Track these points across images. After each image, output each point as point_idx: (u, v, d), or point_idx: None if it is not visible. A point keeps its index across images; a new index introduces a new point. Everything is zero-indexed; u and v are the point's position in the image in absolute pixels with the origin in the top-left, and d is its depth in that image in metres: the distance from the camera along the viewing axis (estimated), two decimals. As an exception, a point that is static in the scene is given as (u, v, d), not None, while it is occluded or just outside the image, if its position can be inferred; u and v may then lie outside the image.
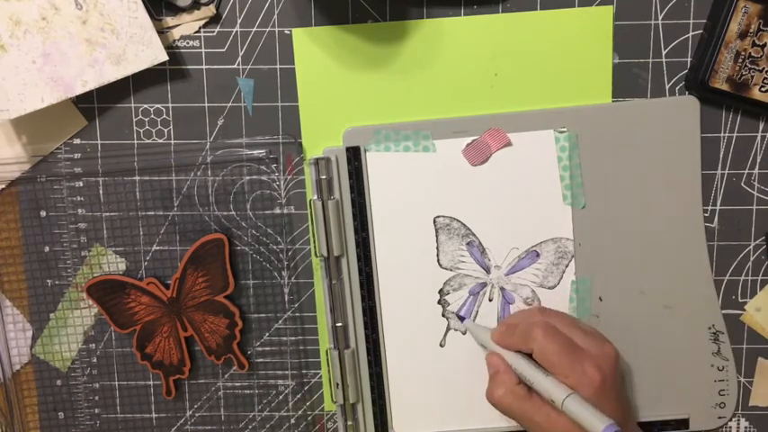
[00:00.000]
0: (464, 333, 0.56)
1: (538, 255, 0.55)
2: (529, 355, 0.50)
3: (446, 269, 0.56)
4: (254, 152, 0.55)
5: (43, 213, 0.56)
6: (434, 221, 0.55)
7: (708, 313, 0.56)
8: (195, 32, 0.54)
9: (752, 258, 0.56)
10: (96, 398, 0.58)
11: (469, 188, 0.55)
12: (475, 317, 0.56)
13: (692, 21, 0.54)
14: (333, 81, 0.55)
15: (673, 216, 0.55)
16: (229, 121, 0.55)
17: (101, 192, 0.56)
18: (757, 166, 0.55)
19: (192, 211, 0.56)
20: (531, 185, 0.54)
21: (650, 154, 0.54)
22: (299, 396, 0.58)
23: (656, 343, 0.56)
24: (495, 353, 0.52)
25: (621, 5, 0.54)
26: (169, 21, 0.54)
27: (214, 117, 0.55)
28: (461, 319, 0.56)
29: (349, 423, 0.57)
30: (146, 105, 0.55)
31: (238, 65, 0.55)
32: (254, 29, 0.54)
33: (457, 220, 0.55)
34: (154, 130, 0.56)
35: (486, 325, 0.55)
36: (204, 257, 0.55)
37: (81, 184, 0.56)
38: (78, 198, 0.56)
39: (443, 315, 0.56)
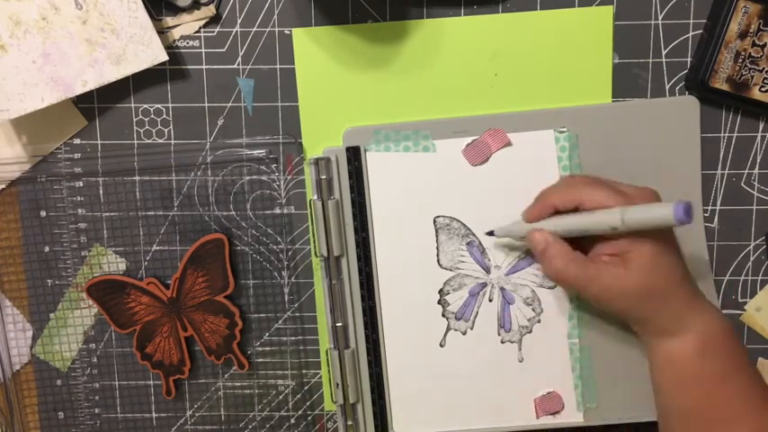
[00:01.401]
0: (464, 334, 0.56)
1: (538, 255, 0.55)
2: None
3: (446, 269, 0.56)
4: (254, 152, 0.55)
5: (43, 213, 0.56)
6: (434, 221, 0.55)
7: (708, 313, 0.56)
8: (195, 32, 0.55)
9: (752, 258, 0.56)
10: (96, 398, 0.58)
11: (469, 188, 0.55)
12: (475, 317, 0.56)
13: (692, 21, 0.54)
14: (333, 81, 0.55)
15: (673, 216, 0.55)
16: (229, 121, 0.55)
17: (101, 192, 0.56)
18: (757, 166, 0.55)
19: (191, 211, 0.56)
20: (531, 185, 0.54)
21: (650, 154, 0.54)
22: (299, 396, 0.58)
23: (656, 343, 0.56)
24: (537, 229, 0.50)
25: (621, 5, 0.54)
26: (169, 21, 0.54)
27: (214, 117, 0.55)
28: (491, 234, 0.54)
29: (349, 423, 0.57)
30: (146, 105, 0.55)
31: (238, 65, 0.55)
32: (254, 29, 0.54)
33: (457, 220, 0.55)
34: (154, 130, 0.56)
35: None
36: (204, 257, 0.55)
37: (81, 184, 0.56)
38: (78, 198, 0.56)
39: (443, 315, 0.56)
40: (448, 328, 0.56)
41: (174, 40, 0.55)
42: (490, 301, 0.56)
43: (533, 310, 0.56)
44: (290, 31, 0.54)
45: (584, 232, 0.48)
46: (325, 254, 0.55)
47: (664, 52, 0.54)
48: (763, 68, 0.52)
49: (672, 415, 0.50)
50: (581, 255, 0.49)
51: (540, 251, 0.50)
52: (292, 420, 0.58)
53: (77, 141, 0.56)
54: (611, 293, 0.48)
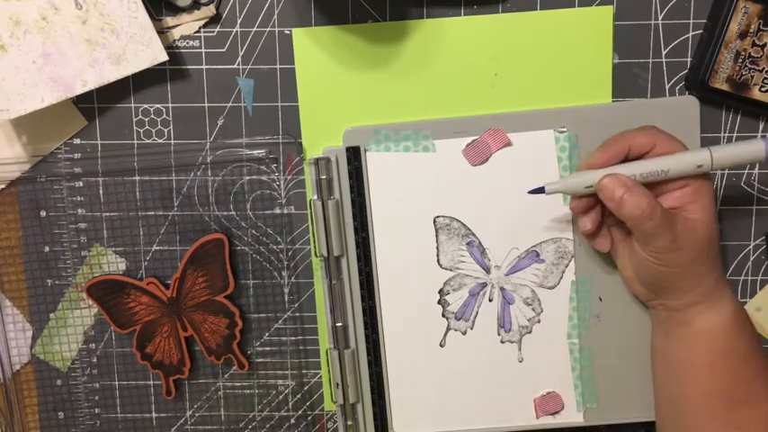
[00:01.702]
0: (464, 333, 0.56)
1: (538, 255, 0.55)
2: None
3: (446, 269, 0.56)
4: (254, 152, 0.55)
5: (43, 213, 0.56)
6: (434, 221, 0.55)
7: (708, 313, 0.56)
8: (195, 32, 0.55)
9: (752, 258, 0.56)
10: (96, 398, 0.58)
11: (469, 188, 0.55)
12: (475, 317, 0.56)
13: (692, 21, 0.54)
14: (333, 81, 0.55)
15: (673, 216, 0.55)
16: (229, 121, 0.55)
17: (101, 192, 0.56)
18: (757, 166, 0.55)
19: (192, 211, 0.56)
20: (531, 185, 0.54)
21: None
22: (298, 396, 0.58)
23: (656, 343, 0.56)
24: (618, 175, 0.48)
25: (621, 5, 0.54)
26: (169, 21, 0.54)
27: (214, 117, 0.55)
28: (541, 190, 0.50)
29: (349, 423, 0.57)
30: (146, 105, 0.55)
31: (238, 65, 0.55)
32: (254, 29, 0.54)
33: (457, 220, 0.55)
34: (154, 130, 0.56)
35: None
36: (204, 257, 0.55)
37: (81, 184, 0.56)
38: (78, 198, 0.56)
39: (443, 315, 0.56)
40: (448, 328, 0.56)
41: (174, 40, 0.55)
42: (490, 301, 0.56)
43: (533, 310, 0.56)
44: (290, 31, 0.54)
45: (665, 174, 0.47)
46: (325, 254, 0.55)
47: (664, 52, 0.54)
48: (763, 68, 0.52)
49: (693, 398, 0.50)
50: (661, 206, 0.48)
51: (619, 198, 0.47)
52: (292, 420, 0.58)
53: (77, 141, 0.56)
54: (679, 243, 0.47)
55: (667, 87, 0.55)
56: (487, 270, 0.56)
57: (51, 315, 0.57)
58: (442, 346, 0.56)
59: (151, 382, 0.58)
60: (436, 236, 0.55)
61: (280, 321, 0.57)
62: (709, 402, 0.49)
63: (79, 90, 0.52)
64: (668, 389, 0.51)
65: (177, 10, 0.54)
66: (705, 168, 0.47)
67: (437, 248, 0.56)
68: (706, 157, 0.47)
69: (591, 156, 0.50)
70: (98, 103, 0.55)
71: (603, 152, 0.49)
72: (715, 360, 0.49)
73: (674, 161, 0.48)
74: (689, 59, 0.54)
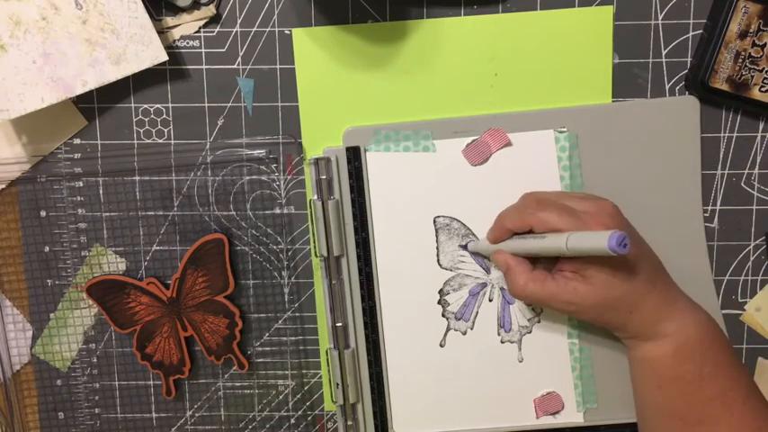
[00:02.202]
0: (464, 334, 0.56)
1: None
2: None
3: (446, 269, 0.56)
4: (254, 152, 0.55)
5: (43, 213, 0.56)
6: (434, 221, 0.55)
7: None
8: (195, 32, 0.55)
9: (752, 258, 0.56)
10: (96, 398, 0.58)
11: (469, 188, 0.55)
12: (475, 317, 0.56)
13: (692, 21, 0.54)
14: (333, 81, 0.55)
15: (673, 216, 0.55)
16: (229, 121, 0.55)
17: (101, 192, 0.56)
18: (757, 166, 0.55)
19: (192, 211, 0.56)
20: (531, 185, 0.54)
21: (650, 154, 0.54)
22: (298, 396, 0.58)
23: (656, 343, 0.56)
24: (498, 251, 0.52)
25: (621, 5, 0.54)
26: (169, 21, 0.54)
27: (214, 117, 0.55)
28: (464, 248, 0.55)
29: (349, 423, 0.57)
30: (146, 105, 0.55)
31: (238, 65, 0.55)
32: (254, 29, 0.54)
33: (457, 220, 0.55)
34: (154, 130, 0.56)
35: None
36: (204, 257, 0.55)
37: (81, 184, 0.56)
38: (78, 198, 0.56)
39: (443, 315, 0.56)
40: (448, 328, 0.56)
41: (174, 40, 0.55)
42: (490, 301, 0.56)
43: (533, 310, 0.56)
44: (290, 31, 0.54)
45: (538, 255, 0.49)
46: (325, 254, 0.55)
47: (664, 52, 0.54)
48: (763, 68, 0.52)
49: (650, 415, 0.50)
50: (542, 273, 0.50)
51: (504, 272, 0.51)
52: (292, 420, 0.58)
53: (77, 141, 0.56)
54: (574, 307, 0.48)
55: (667, 87, 0.55)
56: (487, 270, 0.56)
57: (51, 315, 0.57)
58: (442, 346, 0.56)
59: (151, 382, 0.58)
60: (436, 236, 0.55)
61: (280, 321, 0.57)
62: (664, 422, 0.49)
63: (79, 90, 0.52)
64: (635, 403, 0.52)
65: (177, 10, 0.54)
66: (563, 252, 0.46)
67: (437, 248, 0.56)
68: (562, 246, 0.46)
69: (489, 230, 0.53)
70: (98, 103, 0.55)
71: (491, 234, 0.52)
72: (662, 383, 0.49)
73: (541, 247, 0.48)
74: (689, 59, 0.54)
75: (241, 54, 0.55)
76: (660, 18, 0.54)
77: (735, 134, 0.55)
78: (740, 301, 0.56)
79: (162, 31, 0.54)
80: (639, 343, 0.49)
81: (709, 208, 0.56)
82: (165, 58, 0.52)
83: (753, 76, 0.53)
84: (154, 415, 0.58)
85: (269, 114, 0.55)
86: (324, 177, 0.54)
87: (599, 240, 0.43)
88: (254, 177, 0.56)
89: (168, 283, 0.56)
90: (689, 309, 0.49)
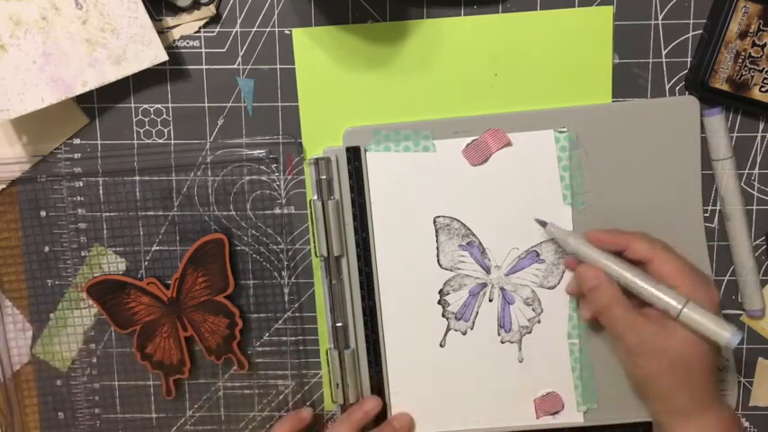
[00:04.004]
0: (464, 334, 0.56)
1: (538, 255, 0.55)
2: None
3: (446, 269, 0.56)
4: (254, 152, 0.55)
5: (43, 213, 0.56)
6: (434, 221, 0.55)
7: (708, 313, 0.56)
8: (195, 32, 0.55)
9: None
10: (96, 398, 0.58)
11: (469, 188, 0.55)
12: (475, 317, 0.56)
13: (692, 21, 0.54)
14: (333, 81, 0.55)
15: (673, 216, 0.55)
16: (229, 121, 0.55)
17: (101, 192, 0.56)
18: (757, 166, 0.55)
19: (192, 211, 0.56)
20: (531, 185, 0.54)
21: (650, 154, 0.54)
22: (299, 396, 0.58)
23: (656, 343, 0.56)
24: (591, 266, 0.49)
25: (621, 5, 0.54)
26: (169, 21, 0.54)
27: (214, 117, 0.55)
28: (543, 224, 0.53)
29: (349, 423, 0.57)
30: (146, 105, 0.55)
31: (238, 65, 0.55)
32: (254, 29, 0.54)
33: (457, 220, 0.55)
34: (154, 130, 0.56)
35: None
36: (204, 257, 0.55)
37: (81, 184, 0.56)
38: (78, 198, 0.56)
39: (443, 315, 0.56)
40: (448, 329, 0.56)
41: (174, 40, 0.55)
42: (490, 301, 0.56)
43: (533, 310, 0.56)
44: (290, 31, 0.54)
45: (638, 295, 0.48)
46: (325, 254, 0.55)
47: (664, 52, 0.54)
48: (763, 68, 0.52)
49: None
50: (629, 301, 0.48)
51: (591, 287, 0.49)
52: (292, 420, 0.58)
53: (77, 141, 0.56)
54: (646, 348, 0.47)
55: (667, 87, 0.55)
56: (487, 270, 0.56)
57: (51, 315, 0.57)
58: (442, 346, 0.56)
59: (151, 382, 0.58)
60: (436, 236, 0.55)
61: (280, 321, 0.57)
62: None
63: (79, 90, 0.52)
64: None
65: (177, 10, 0.54)
66: (670, 313, 0.46)
67: (437, 248, 0.56)
68: (675, 310, 0.45)
69: (596, 231, 0.50)
70: (98, 103, 0.55)
71: (599, 236, 0.50)
72: None
73: (651, 294, 0.47)
74: (689, 59, 0.54)
75: (241, 54, 0.55)
76: (660, 18, 0.54)
77: (735, 134, 0.55)
78: (740, 301, 0.56)
79: (162, 31, 0.54)
80: (683, 422, 0.48)
81: (710, 208, 0.55)
82: (165, 58, 0.52)
83: (753, 76, 0.53)
84: (154, 415, 0.58)
85: (269, 114, 0.55)
86: (324, 177, 0.54)
87: (719, 333, 0.43)
88: (254, 177, 0.56)
89: (168, 283, 0.56)
90: (724, 401, 0.50)
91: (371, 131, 0.55)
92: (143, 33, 0.52)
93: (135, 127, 0.56)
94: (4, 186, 0.56)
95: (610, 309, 0.48)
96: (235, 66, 0.55)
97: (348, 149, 0.55)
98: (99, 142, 0.56)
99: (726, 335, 0.44)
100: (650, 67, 0.54)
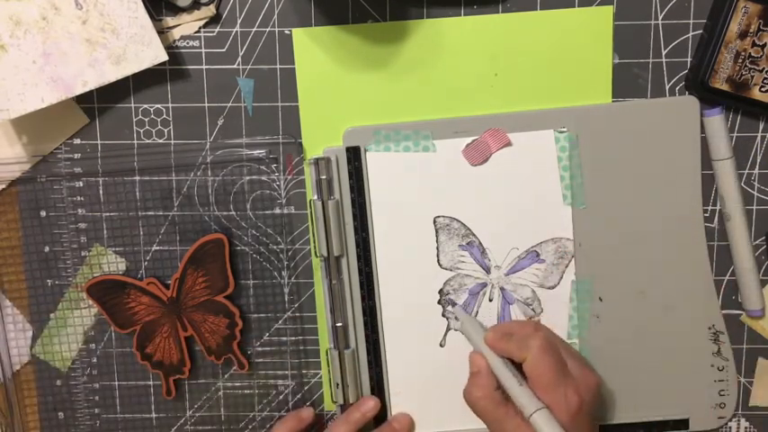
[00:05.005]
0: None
1: (538, 255, 0.55)
2: (512, 363, 0.50)
3: (446, 269, 0.56)
4: (254, 152, 0.55)
5: (43, 213, 0.56)
6: (434, 221, 0.55)
7: (708, 313, 0.56)
8: (195, 32, 0.55)
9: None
10: (96, 398, 0.58)
11: (469, 188, 0.55)
12: (475, 316, 0.56)
13: (692, 21, 0.54)
14: (333, 81, 0.55)
15: (673, 216, 0.55)
16: (229, 121, 0.55)
17: (101, 192, 0.56)
18: (757, 166, 0.55)
19: (192, 211, 0.56)
20: (531, 185, 0.54)
21: (650, 154, 0.54)
22: (299, 396, 0.58)
23: (656, 343, 0.56)
24: (480, 354, 0.52)
25: (621, 5, 0.54)
26: (169, 21, 0.54)
27: (214, 117, 0.55)
28: (453, 304, 0.55)
29: (349, 423, 0.57)
30: (146, 105, 0.55)
31: (238, 65, 0.55)
32: (254, 29, 0.54)
33: (457, 220, 0.55)
34: (154, 130, 0.56)
35: (480, 322, 0.55)
36: (204, 257, 0.55)
37: (81, 184, 0.56)
38: (78, 198, 0.56)
39: (443, 315, 0.56)
40: (448, 328, 0.56)
41: (174, 40, 0.55)
42: (490, 301, 0.56)
43: (533, 310, 0.56)
44: (290, 31, 0.54)
45: (508, 391, 0.49)
46: (325, 254, 0.55)
47: (664, 52, 0.54)
48: (763, 68, 0.52)
49: None
50: (501, 396, 0.50)
51: (472, 372, 0.52)
52: (292, 420, 0.58)
53: (77, 141, 0.56)
54: None
55: (667, 87, 0.55)
56: (487, 270, 0.56)
57: (51, 315, 0.57)
58: (442, 346, 0.56)
59: (151, 382, 0.58)
60: (436, 236, 0.55)
61: (280, 321, 0.57)
62: None
63: (79, 90, 0.52)
64: None
65: (177, 10, 0.54)
66: (524, 414, 0.47)
67: (437, 248, 0.56)
68: (529, 410, 0.47)
69: (494, 330, 0.53)
70: (98, 103, 0.55)
71: (494, 338, 0.52)
72: None
73: (514, 388, 0.49)
74: (689, 59, 0.54)
75: (241, 54, 0.55)
76: (660, 18, 0.54)
77: (735, 134, 0.55)
78: (740, 301, 0.56)
79: (162, 31, 0.54)
80: None
81: (710, 208, 0.55)
82: (165, 58, 0.52)
83: (753, 76, 0.53)
84: (154, 415, 0.58)
85: (269, 114, 0.55)
86: (324, 177, 0.54)
87: None
88: (254, 177, 0.56)
89: (168, 283, 0.56)
90: None
91: (371, 131, 0.55)
92: (143, 33, 0.52)
93: (135, 127, 0.56)
94: (4, 186, 0.56)
95: (483, 400, 0.50)
96: (235, 66, 0.55)
97: (348, 149, 0.55)
98: (99, 142, 0.56)
99: None
100: (650, 67, 0.54)
